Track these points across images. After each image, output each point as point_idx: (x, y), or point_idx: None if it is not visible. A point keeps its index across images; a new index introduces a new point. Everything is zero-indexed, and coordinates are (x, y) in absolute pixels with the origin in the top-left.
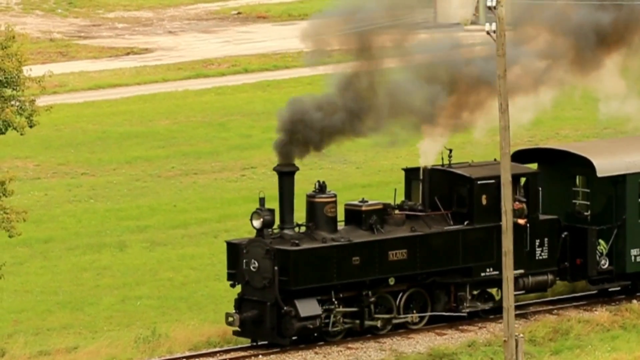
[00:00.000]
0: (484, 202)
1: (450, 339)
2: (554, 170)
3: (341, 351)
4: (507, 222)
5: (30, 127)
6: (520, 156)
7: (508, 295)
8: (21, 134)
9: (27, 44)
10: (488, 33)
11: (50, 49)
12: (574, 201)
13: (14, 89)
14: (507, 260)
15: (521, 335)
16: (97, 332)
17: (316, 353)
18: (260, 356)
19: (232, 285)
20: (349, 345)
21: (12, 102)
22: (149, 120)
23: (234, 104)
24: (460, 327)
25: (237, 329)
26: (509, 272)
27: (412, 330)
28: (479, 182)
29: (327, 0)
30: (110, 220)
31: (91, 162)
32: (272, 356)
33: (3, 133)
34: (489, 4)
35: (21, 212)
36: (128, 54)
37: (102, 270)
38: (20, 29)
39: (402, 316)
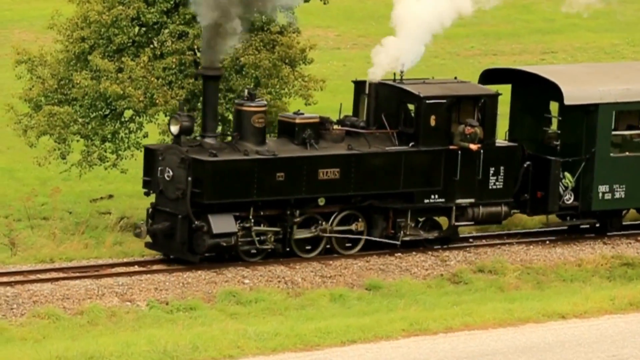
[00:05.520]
0: (433, 123)
1: None
2: (528, 94)
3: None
4: None
5: None
6: (490, 76)
7: None
8: (324, 3)
9: None
10: None
11: None
12: (544, 129)
13: None
14: None
15: None
16: None
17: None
18: None
19: (147, 194)
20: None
21: None
22: None
23: None
24: None
25: (148, 240)
26: None
27: None
28: (427, 101)
29: None
30: None
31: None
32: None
33: (307, 1)
34: None
35: (319, 81)
36: None
37: None
38: None
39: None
